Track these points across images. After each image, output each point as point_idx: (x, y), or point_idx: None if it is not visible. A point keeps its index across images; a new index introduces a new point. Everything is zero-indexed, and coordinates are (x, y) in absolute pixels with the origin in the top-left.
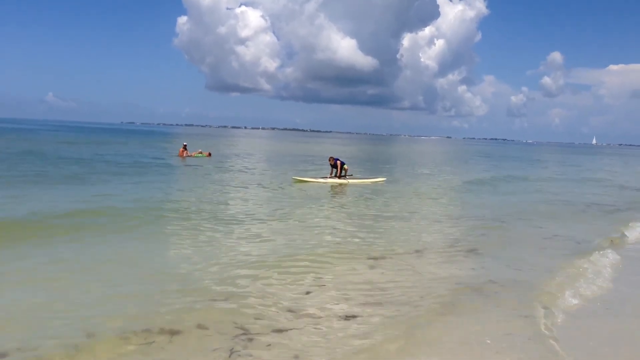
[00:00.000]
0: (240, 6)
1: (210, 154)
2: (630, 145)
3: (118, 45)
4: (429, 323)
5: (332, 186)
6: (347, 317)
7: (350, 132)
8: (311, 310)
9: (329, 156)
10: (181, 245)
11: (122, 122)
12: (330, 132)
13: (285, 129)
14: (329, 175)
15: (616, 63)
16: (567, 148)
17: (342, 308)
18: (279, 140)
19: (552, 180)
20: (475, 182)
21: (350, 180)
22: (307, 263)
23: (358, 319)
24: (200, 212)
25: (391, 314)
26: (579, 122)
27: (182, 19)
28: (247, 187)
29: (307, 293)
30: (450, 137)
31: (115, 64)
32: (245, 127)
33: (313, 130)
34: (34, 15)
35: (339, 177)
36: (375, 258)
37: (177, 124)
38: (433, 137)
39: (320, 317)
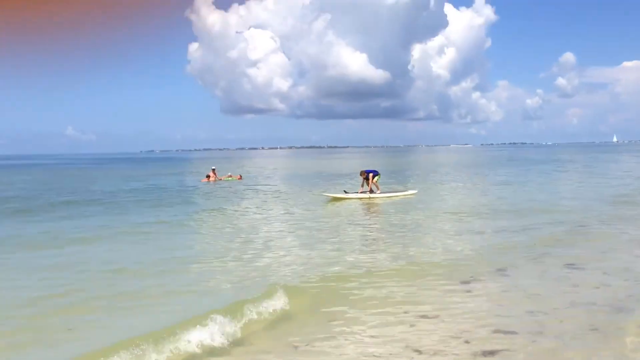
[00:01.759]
0: (249, 29)
1: (241, 177)
2: None
3: (132, 76)
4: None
5: (366, 203)
6: (486, 354)
7: (367, 146)
8: (437, 347)
9: (361, 170)
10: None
11: (141, 151)
12: (347, 147)
13: (302, 147)
14: (360, 190)
15: (630, 59)
16: (588, 147)
17: (469, 341)
18: (298, 158)
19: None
20: (502, 183)
21: (381, 195)
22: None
23: (498, 355)
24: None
25: (534, 346)
26: (598, 121)
27: (194, 46)
28: (291, 213)
29: (412, 326)
30: (468, 145)
31: (130, 95)
32: (263, 148)
33: (330, 147)
34: (48, 50)
35: (370, 190)
36: (466, 282)
37: (195, 149)
38: (451, 146)
39: (455, 356)
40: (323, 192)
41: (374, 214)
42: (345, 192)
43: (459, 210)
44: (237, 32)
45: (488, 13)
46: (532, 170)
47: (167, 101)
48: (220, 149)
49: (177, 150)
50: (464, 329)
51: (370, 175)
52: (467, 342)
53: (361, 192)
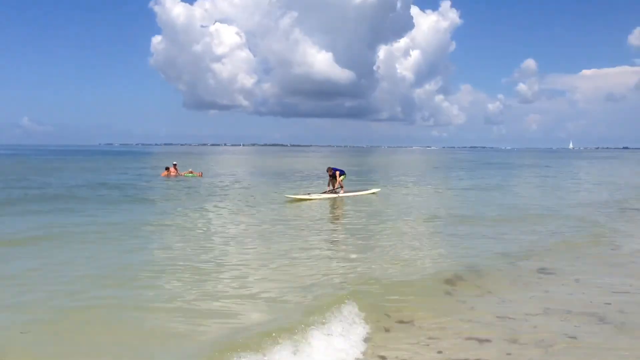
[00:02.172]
0: (214, 23)
1: (201, 174)
2: (607, 148)
3: (93, 67)
4: None
5: (328, 201)
6: None
7: (330, 145)
8: None
9: (327, 167)
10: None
11: (100, 144)
12: (311, 146)
13: (266, 145)
14: (327, 188)
15: (589, 68)
16: (547, 153)
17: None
18: (262, 156)
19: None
20: (467, 188)
21: (344, 194)
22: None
23: None
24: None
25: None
26: (556, 127)
27: (157, 39)
28: (251, 214)
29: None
30: (430, 147)
31: (90, 86)
32: (225, 144)
33: (294, 145)
34: (4, 39)
35: (335, 188)
36: (450, 282)
37: (155, 144)
38: (414, 147)
39: None
40: (287, 194)
41: (334, 215)
42: (309, 194)
43: (433, 214)
44: (202, 26)
45: (453, 17)
46: (500, 174)
47: (129, 94)
48: (181, 144)
49: (137, 144)
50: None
51: (337, 173)
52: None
53: (325, 193)
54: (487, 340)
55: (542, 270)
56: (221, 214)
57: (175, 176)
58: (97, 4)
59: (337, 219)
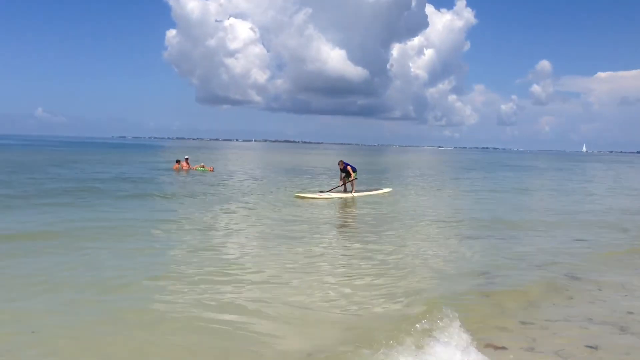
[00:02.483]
0: (229, 18)
1: (213, 169)
2: (620, 152)
3: (107, 60)
4: None
5: (341, 201)
6: None
7: (341, 143)
8: None
9: (339, 160)
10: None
11: (112, 137)
12: (322, 143)
13: (277, 141)
14: (340, 183)
15: (604, 70)
16: (560, 156)
17: None
18: (273, 152)
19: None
20: (478, 190)
21: (356, 194)
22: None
23: None
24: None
25: None
26: (569, 130)
27: (171, 32)
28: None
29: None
30: (441, 147)
31: (105, 79)
32: (237, 140)
33: (305, 142)
34: (21, 30)
35: (344, 182)
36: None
37: (168, 137)
38: (425, 147)
39: None
40: (298, 194)
41: (342, 211)
42: (320, 192)
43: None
44: (216, 21)
45: (468, 16)
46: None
47: (142, 87)
48: (193, 139)
49: (149, 138)
50: None
51: (349, 168)
52: None
53: (335, 190)
54: (503, 348)
55: (569, 276)
56: (248, 215)
57: (187, 170)
58: None
59: (368, 223)
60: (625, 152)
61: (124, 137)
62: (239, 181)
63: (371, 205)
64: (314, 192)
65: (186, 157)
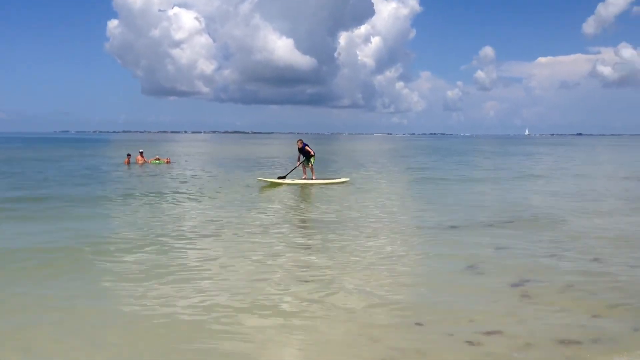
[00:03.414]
0: (173, 8)
1: (169, 160)
2: (561, 134)
3: (46, 52)
4: None
5: (301, 187)
6: None
7: (292, 132)
8: None
9: (298, 139)
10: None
11: (55, 131)
12: (272, 133)
13: (227, 132)
14: (297, 162)
15: (544, 55)
16: (505, 139)
17: None
18: (225, 143)
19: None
20: (429, 179)
21: (316, 181)
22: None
23: None
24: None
25: None
26: (513, 114)
27: (113, 23)
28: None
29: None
30: (390, 134)
31: (45, 72)
32: (186, 132)
33: (255, 132)
34: None
35: (303, 167)
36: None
37: (114, 131)
38: (374, 134)
39: None
40: (260, 178)
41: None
42: (280, 177)
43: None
44: (160, 10)
45: (413, 4)
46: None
47: (85, 80)
48: (140, 132)
49: (94, 132)
50: None
51: (308, 148)
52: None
53: (293, 172)
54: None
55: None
56: (203, 208)
57: (142, 164)
58: None
59: (332, 212)
60: (565, 135)
61: (67, 131)
62: (198, 173)
63: (329, 196)
64: (273, 177)
65: (140, 150)
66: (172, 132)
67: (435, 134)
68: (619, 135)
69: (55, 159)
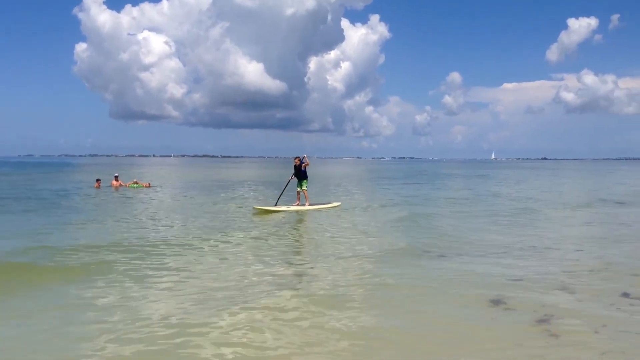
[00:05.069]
0: (142, 31)
1: (149, 185)
2: (526, 158)
3: (11, 74)
4: None
5: (297, 213)
6: None
7: (262, 157)
8: None
9: (296, 157)
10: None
11: (19, 155)
12: (242, 157)
13: (196, 156)
14: (291, 176)
15: (510, 81)
16: (472, 163)
17: None
18: (195, 167)
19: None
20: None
21: (310, 207)
22: None
23: None
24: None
25: None
26: (479, 139)
27: (81, 46)
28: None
29: None
30: (360, 157)
31: (8, 95)
32: (154, 155)
33: (224, 156)
34: None
35: (297, 194)
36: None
37: (80, 155)
38: (344, 158)
39: None
40: (256, 206)
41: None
42: (276, 205)
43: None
44: (129, 34)
45: (382, 30)
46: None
47: (51, 103)
48: (107, 155)
49: (59, 155)
50: None
51: (303, 165)
52: None
53: (286, 190)
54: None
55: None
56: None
57: (117, 188)
58: (16, 8)
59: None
60: (531, 159)
61: (32, 155)
62: (191, 197)
63: (325, 219)
64: (269, 205)
65: (115, 174)
66: (140, 155)
67: (404, 157)
68: (581, 159)
69: (19, 183)
